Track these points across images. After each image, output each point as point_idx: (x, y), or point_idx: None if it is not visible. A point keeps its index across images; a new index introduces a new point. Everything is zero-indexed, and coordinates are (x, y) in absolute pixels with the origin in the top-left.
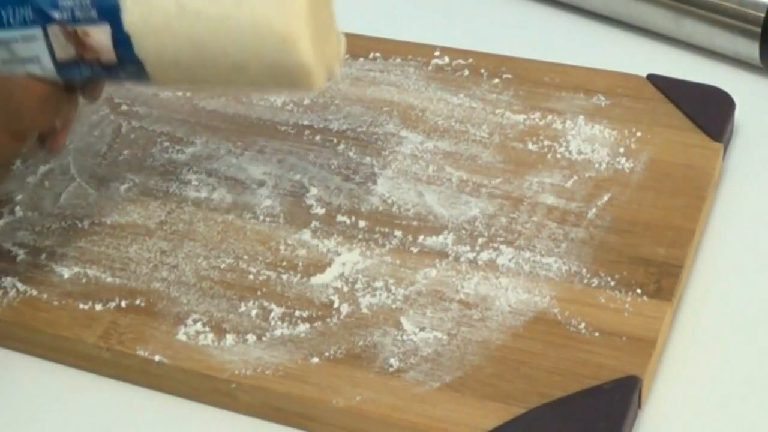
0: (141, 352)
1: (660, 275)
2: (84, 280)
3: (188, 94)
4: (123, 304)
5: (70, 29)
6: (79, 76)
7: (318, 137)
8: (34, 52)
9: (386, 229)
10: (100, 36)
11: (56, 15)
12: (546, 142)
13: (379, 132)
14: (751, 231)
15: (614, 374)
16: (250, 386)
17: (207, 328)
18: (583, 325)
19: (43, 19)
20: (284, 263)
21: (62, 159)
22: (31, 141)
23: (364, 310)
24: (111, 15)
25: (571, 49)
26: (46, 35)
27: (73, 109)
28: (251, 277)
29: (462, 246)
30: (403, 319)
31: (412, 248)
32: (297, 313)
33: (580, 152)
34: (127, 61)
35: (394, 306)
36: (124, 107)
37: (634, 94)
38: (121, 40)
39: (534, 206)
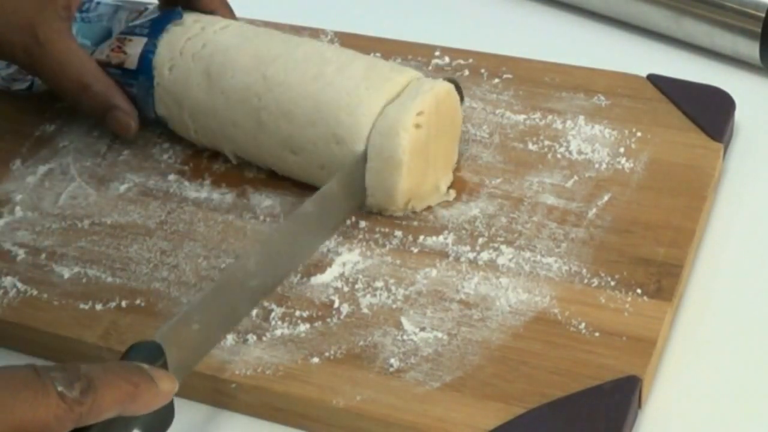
0: None
1: (660, 275)
2: (84, 280)
3: None
4: (123, 304)
5: (121, 37)
6: None
7: None
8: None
9: (386, 229)
10: (136, 44)
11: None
12: (546, 142)
13: None
14: (751, 231)
15: (614, 374)
16: (250, 386)
17: None
18: (583, 325)
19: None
20: None
21: (62, 159)
22: None
23: (365, 310)
24: (154, 36)
25: (571, 49)
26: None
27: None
28: None
29: (462, 246)
30: (403, 319)
31: (412, 248)
32: (297, 313)
33: (580, 152)
34: (143, 69)
35: (394, 306)
36: None
37: (634, 94)
38: (149, 50)
39: (534, 206)
